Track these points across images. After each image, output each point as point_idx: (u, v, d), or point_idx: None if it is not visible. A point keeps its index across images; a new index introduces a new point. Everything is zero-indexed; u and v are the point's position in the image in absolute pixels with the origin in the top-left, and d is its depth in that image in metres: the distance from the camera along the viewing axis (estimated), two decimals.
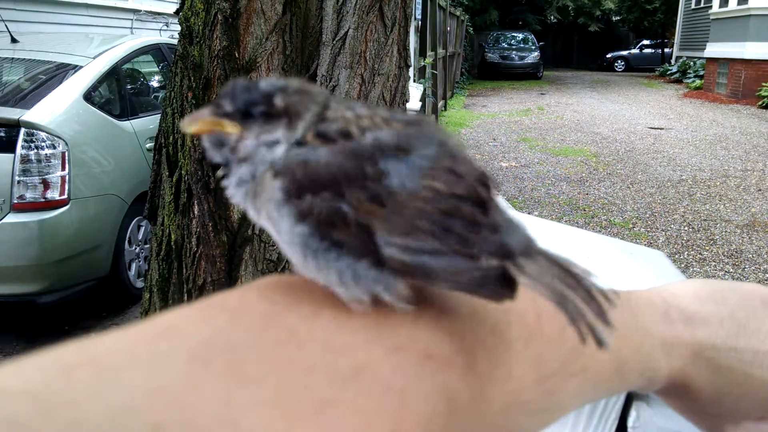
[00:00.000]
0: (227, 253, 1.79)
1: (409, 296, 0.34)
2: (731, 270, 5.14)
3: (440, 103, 12.86)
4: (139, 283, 4.32)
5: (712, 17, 17.79)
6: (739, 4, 15.93)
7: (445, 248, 0.33)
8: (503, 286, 0.34)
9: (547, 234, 0.98)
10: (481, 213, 0.34)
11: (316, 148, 0.33)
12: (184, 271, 1.84)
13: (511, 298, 0.34)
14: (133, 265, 4.42)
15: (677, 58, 23.52)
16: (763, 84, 14.65)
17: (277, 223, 0.34)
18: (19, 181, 3.57)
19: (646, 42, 31.02)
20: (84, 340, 0.27)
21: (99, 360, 0.26)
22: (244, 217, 1.80)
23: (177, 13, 1.92)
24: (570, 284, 0.34)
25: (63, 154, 3.68)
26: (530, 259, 0.34)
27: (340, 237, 0.33)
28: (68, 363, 0.25)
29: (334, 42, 1.81)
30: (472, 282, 0.33)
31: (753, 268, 5.18)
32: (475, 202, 0.34)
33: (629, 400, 0.66)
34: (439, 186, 0.33)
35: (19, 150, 3.58)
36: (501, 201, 0.37)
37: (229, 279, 1.80)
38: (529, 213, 6.37)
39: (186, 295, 1.84)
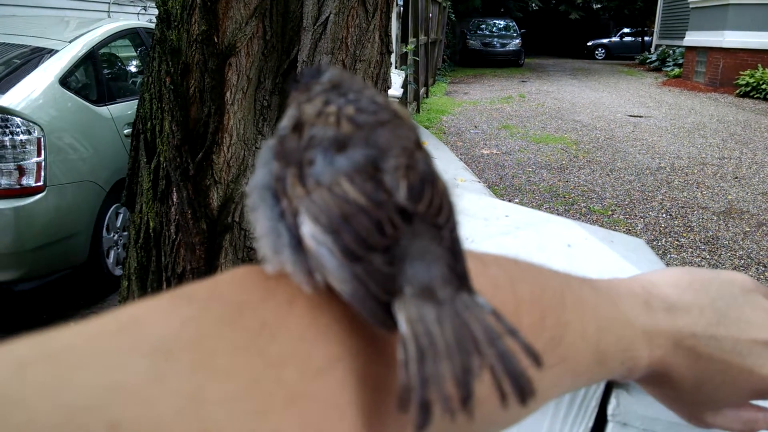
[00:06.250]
0: (207, 241, 1.77)
1: (313, 283, 0.33)
2: (708, 256, 5.22)
3: (422, 90, 12.83)
4: (118, 271, 4.27)
5: (691, 6, 17.92)
6: None
7: (336, 252, 0.31)
8: (385, 315, 0.31)
9: (528, 222, 0.98)
10: (378, 233, 0.31)
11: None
12: (163, 259, 1.81)
13: (389, 329, 0.31)
14: (112, 253, 4.36)
15: (657, 46, 23.69)
16: (741, 73, 14.82)
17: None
18: None
19: (626, 30, 31.20)
20: (40, 335, 0.25)
21: (55, 356, 0.24)
22: (223, 205, 1.78)
23: None
24: (464, 349, 0.29)
25: (39, 140, 3.61)
26: (423, 303, 0.30)
27: (282, 205, 0.35)
28: (22, 359, 0.24)
29: (315, 27, 1.79)
30: (353, 298, 0.31)
31: (729, 254, 5.26)
32: (374, 220, 0.32)
33: (609, 388, 0.66)
34: (347, 188, 0.32)
35: None
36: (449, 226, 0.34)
37: (208, 267, 1.78)
38: (509, 200, 6.41)
39: (165, 283, 1.82)
